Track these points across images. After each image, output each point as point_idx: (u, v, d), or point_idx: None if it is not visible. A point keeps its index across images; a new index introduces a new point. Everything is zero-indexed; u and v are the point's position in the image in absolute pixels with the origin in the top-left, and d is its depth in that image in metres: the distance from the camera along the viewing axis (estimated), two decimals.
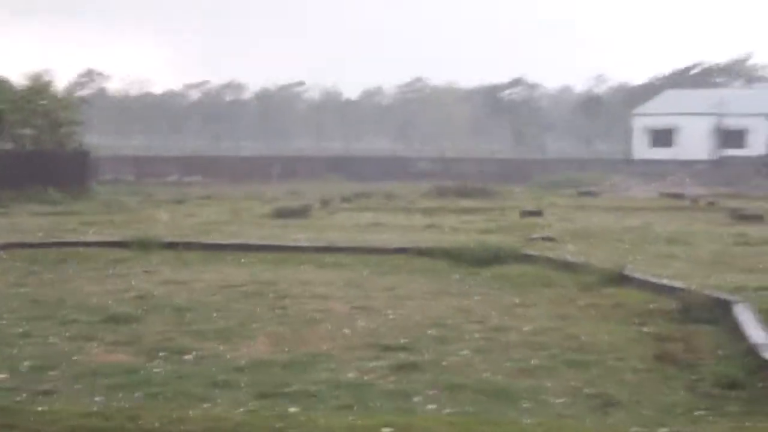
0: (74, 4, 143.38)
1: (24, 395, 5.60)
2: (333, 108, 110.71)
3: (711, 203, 27.27)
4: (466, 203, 27.13)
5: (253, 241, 14.85)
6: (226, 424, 4.94)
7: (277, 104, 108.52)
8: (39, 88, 34.72)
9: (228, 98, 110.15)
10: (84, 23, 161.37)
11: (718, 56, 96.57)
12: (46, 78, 35.92)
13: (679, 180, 40.69)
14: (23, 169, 29.45)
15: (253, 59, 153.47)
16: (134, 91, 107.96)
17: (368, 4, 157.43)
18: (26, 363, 6.42)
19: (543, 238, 15.31)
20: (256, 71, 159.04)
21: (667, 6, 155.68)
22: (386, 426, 4.79)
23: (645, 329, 7.75)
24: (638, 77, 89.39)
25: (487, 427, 4.85)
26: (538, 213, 22.17)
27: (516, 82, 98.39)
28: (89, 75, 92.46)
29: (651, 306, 8.67)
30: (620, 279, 10.11)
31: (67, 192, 28.75)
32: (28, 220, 20.06)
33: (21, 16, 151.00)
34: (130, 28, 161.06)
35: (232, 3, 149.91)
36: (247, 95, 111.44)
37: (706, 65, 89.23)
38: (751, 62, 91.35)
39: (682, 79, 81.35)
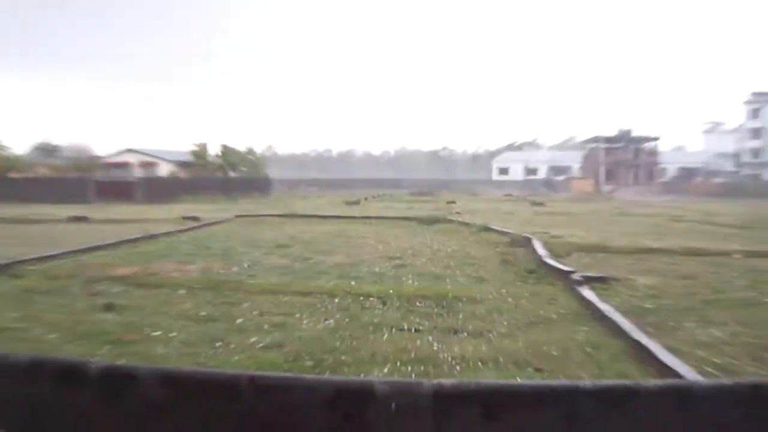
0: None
1: (244, 276, 5.62)
2: (368, 160, 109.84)
3: (523, 198, 27.07)
4: (424, 198, 26.96)
5: (336, 213, 14.78)
6: (325, 288, 4.94)
7: (346, 158, 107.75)
8: (248, 151, 34.83)
9: (325, 155, 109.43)
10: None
11: (525, 136, 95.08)
12: (250, 147, 36.14)
13: (510, 189, 40.69)
14: (242, 185, 29.68)
15: (334, 134, 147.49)
16: (286, 152, 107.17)
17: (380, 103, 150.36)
18: (244, 264, 6.43)
19: (456, 212, 15.20)
20: (337, 141, 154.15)
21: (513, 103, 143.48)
22: (391, 290, 4.79)
23: (497, 250, 7.69)
24: (494, 145, 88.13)
25: (433, 290, 4.83)
26: (453, 202, 22.00)
27: (444, 148, 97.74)
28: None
29: (499, 240, 8.60)
30: (487, 229, 10.02)
31: (260, 194, 28.95)
32: (245, 205, 19.98)
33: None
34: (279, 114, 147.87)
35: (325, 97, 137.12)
36: (334, 154, 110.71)
37: (521, 141, 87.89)
38: (538, 140, 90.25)
39: (511, 147, 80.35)
